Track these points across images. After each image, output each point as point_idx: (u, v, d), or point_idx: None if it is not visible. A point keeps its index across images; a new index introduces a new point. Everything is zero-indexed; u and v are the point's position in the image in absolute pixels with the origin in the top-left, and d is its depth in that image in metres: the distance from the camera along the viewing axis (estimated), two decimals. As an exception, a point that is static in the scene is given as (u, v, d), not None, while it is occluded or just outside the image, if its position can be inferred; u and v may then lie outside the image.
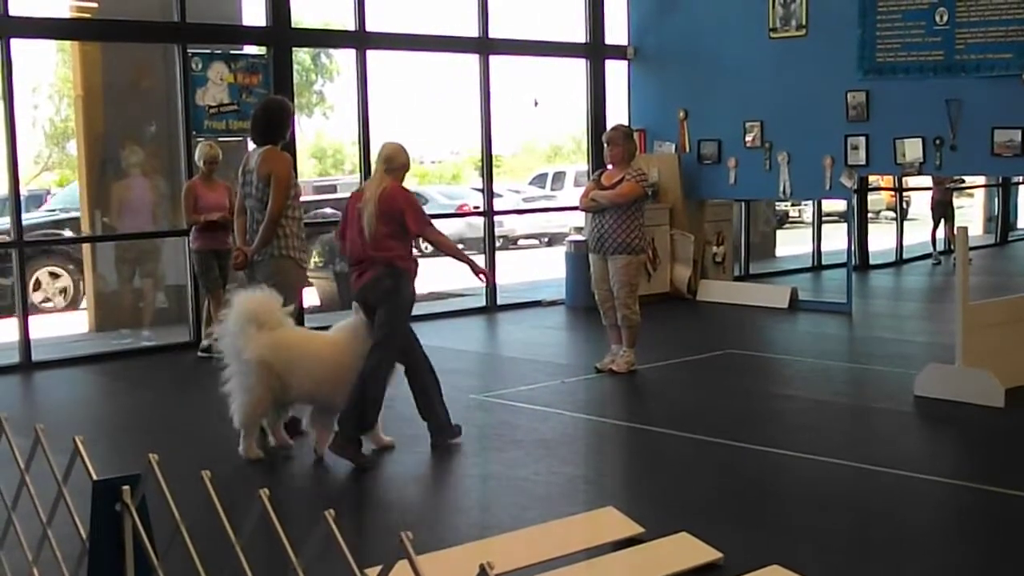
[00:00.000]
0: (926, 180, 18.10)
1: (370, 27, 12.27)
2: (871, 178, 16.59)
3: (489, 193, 13.66)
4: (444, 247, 7.33)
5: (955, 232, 10.03)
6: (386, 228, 6.98)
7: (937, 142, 11.50)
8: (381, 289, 7.02)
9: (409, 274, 7.11)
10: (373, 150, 12.56)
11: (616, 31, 14.36)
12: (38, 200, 18.33)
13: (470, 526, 5.61)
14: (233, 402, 6.86)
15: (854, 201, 13.45)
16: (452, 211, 22.71)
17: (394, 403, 8.51)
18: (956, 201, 18.86)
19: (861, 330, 11.92)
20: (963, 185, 19.91)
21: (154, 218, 12.57)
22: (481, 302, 13.47)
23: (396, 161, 7.17)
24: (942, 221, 17.53)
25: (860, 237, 16.50)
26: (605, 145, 9.57)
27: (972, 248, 12.91)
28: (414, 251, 7.29)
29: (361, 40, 12.25)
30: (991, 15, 10.82)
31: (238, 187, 7.65)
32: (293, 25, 12.03)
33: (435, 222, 7.29)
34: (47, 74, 24.92)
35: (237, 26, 12.51)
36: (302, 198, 7.99)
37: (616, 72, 14.42)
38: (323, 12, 18.29)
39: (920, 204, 22.44)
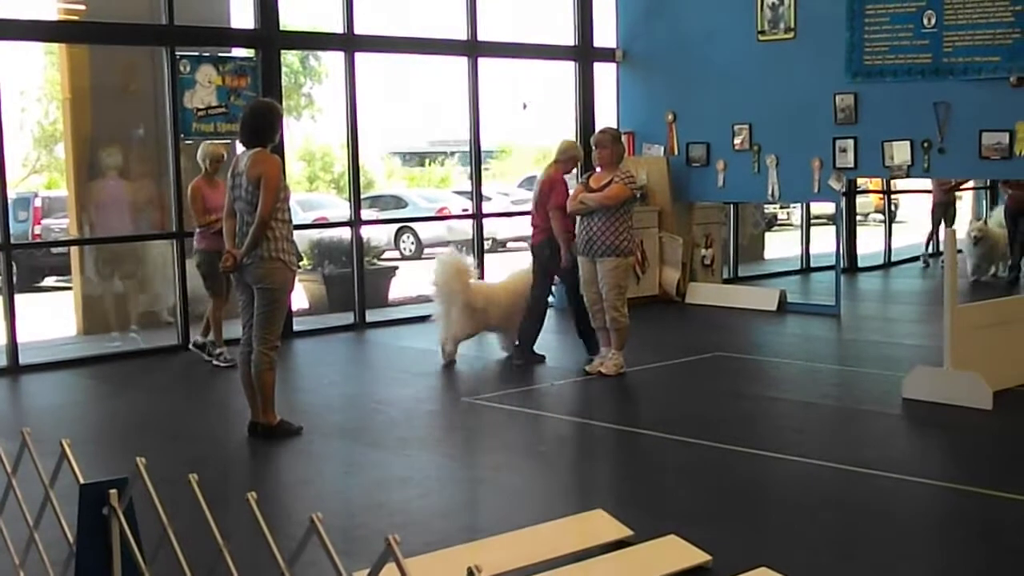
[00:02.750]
0: (915, 183, 18.14)
1: (358, 30, 12.25)
2: (859, 181, 16.62)
3: (477, 196, 13.66)
4: (556, 229, 9.74)
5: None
6: (542, 205, 9.83)
7: (925, 145, 11.53)
8: (543, 254, 9.98)
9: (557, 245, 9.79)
10: (362, 152, 12.57)
11: (604, 34, 14.36)
12: (25, 204, 18.31)
13: (458, 529, 5.61)
14: (446, 329, 10.05)
15: (842, 204, 13.46)
16: (432, 214, 22.85)
17: (386, 408, 8.54)
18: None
19: (849, 333, 11.94)
20: (966, 187, 19.87)
21: (133, 220, 12.52)
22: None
23: (564, 153, 10.05)
24: (942, 223, 17.38)
25: (848, 240, 16.52)
26: (593, 148, 9.57)
27: (961, 251, 12.93)
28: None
29: (349, 42, 12.24)
30: (979, 18, 10.85)
31: (227, 190, 7.63)
32: (281, 28, 12.00)
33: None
34: (35, 77, 24.89)
35: (225, 28, 12.50)
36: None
37: (605, 75, 14.43)
38: (311, 15, 18.28)
39: (908, 207, 22.50)
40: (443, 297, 10.10)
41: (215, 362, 10.23)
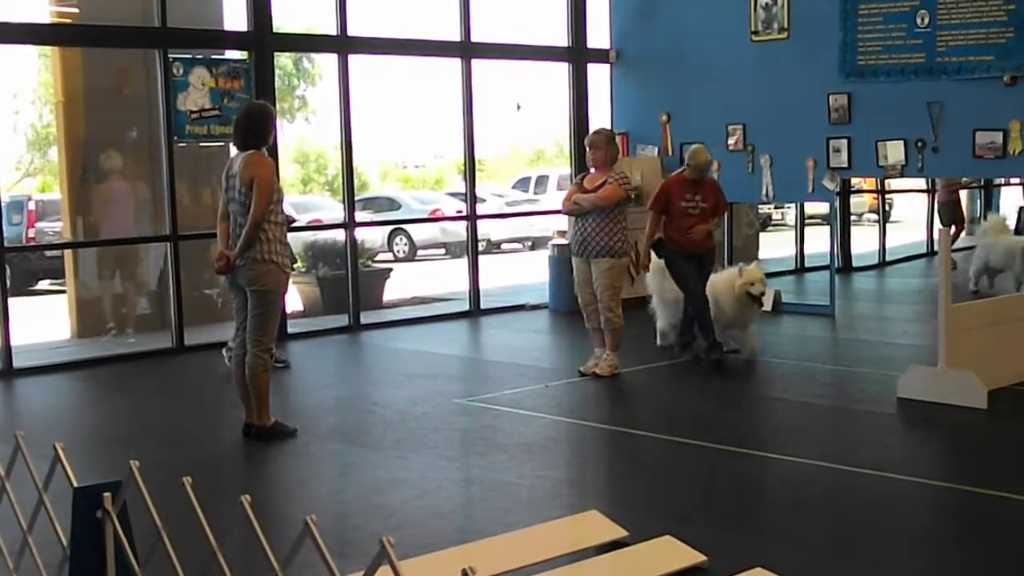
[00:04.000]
0: (909, 183, 18.17)
1: (352, 31, 12.25)
2: (853, 180, 16.62)
3: (472, 197, 13.66)
4: None
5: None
6: None
7: (919, 144, 11.53)
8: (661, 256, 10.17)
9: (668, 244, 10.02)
10: (355, 155, 12.56)
11: (598, 35, 14.36)
12: (19, 207, 18.29)
13: (453, 531, 5.60)
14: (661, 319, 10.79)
15: (836, 203, 13.47)
16: (425, 216, 22.86)
17: (381, 410, 8.53)
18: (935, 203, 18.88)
19: (844, 332, 11.94)
20: (972, 185, 19.83)
21: (134, 223, 12.52)
22: (464, 306, 13.47)
23: (693, 159, 10.05)
24: (954, 224, 17.11)
25: (843, 239, 16.54)
26: (587, 149, 9.58)
27: (956, 250, 12.92)
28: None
29: (343, 44, 12.24)
30: (972, 18, 10.86)
31: (221, 192, 7.63)
32: (275, 30, 12.00)
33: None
34: (28, 79, 24.89)
35: (218, 31, 12.48)
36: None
37: (598, 76, 14.43)
38: (305, 17, 18.29)
39: (902, 207, 22.53)
40: (656, 291, 10.78)
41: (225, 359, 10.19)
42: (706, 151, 10.18)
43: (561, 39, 14.32)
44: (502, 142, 33.04)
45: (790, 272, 16.58)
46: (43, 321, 13.46)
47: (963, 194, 19.47)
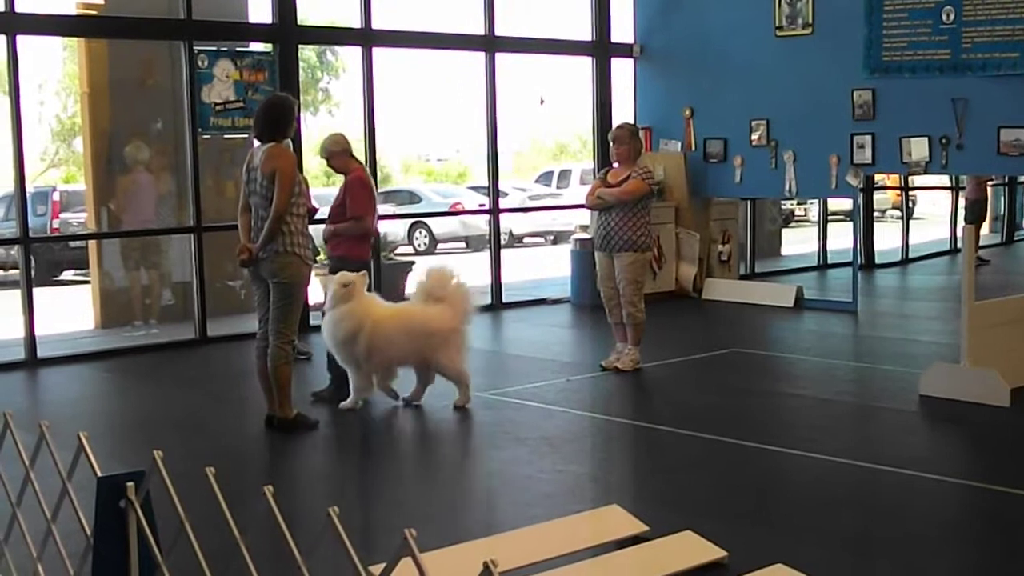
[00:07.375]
0: (932, 179, 18.10)
1: (376, 24, 12.27)
2: (877, 177, 16.58)
3: (494, 191, 13.66)
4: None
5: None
6: None
7: (943, 141, 11.49)
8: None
9: None
10: (379, 147, 12.58)
11: (622, 29, 14.35)
12: (44, 197, 18.37)
13: (474, 523, 5.61)
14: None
15: (860, 200, 13.42)
16: (446, 209, 22.87)
17: (402, 402, 8.51)
18: (960, 200, 18.79)
19: (866, 329, 11.91)
20: (997, 183, 19.69)
21: (157, 215, 12.58)
22: (486, 300, 13.46)
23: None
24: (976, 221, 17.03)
25: (866, 236, 16.48)
26: (611, 143, 9.57)
27: (982, 247, 12.83)
28: None
29: (367, 37, 12.25)
30: (998, 14, 10.79)
31: (242, 184, 7.64)
32: (299, 22, 12.02)
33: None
34: (54, 71, 25.02)
35: (243, 23, 12.52)
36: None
37: (622, 70, 14.42)
38: (329, 9, 18.32)
39: (926, 203, 22.43)
40: None
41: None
42: (337, 140, 8.78)
43: (585, 33, 14.31)
44: (525, 136, 33.08)
45: (812, 268, 16.54)
46: (67, 311, 13.52)
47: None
